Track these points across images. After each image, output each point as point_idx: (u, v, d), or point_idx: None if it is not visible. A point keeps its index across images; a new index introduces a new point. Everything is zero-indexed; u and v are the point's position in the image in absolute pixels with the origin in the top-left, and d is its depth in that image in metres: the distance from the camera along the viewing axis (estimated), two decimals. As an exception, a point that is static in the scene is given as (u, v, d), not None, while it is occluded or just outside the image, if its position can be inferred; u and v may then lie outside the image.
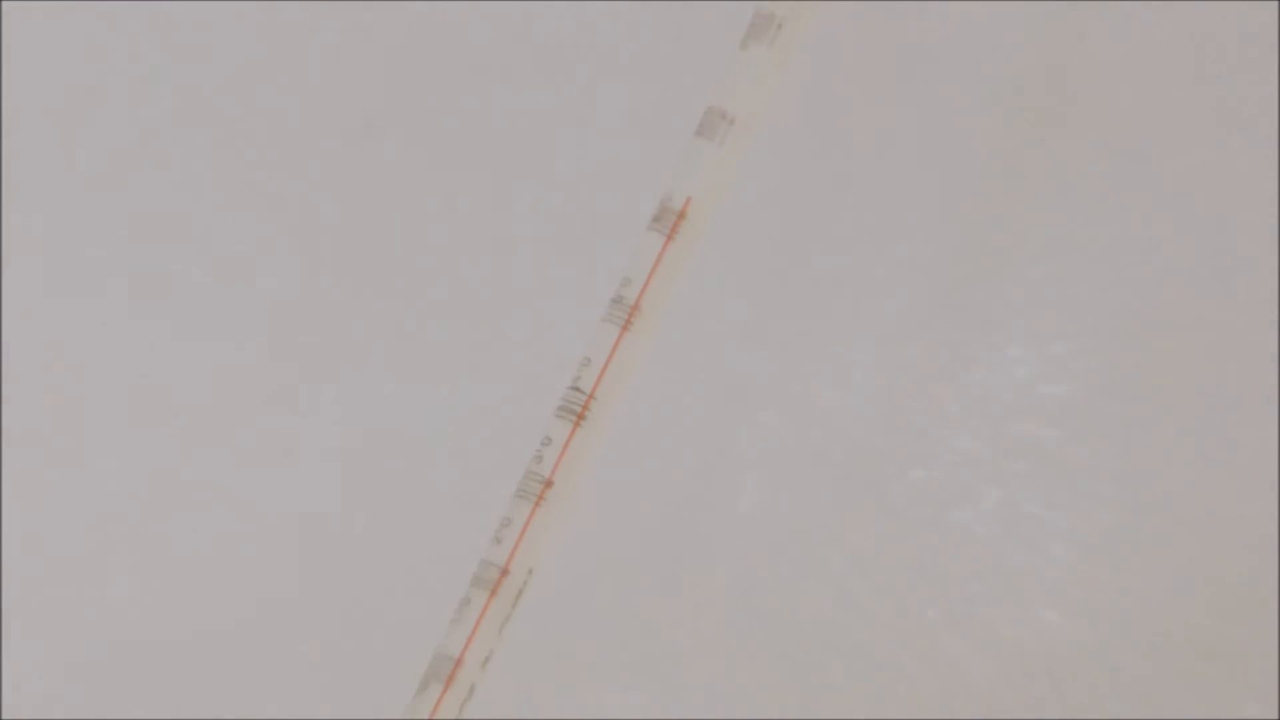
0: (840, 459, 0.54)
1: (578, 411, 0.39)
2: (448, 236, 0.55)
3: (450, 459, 0.54)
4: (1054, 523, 0.54)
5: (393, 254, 0.56)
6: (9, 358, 0.57)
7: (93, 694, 0.57)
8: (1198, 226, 0.55)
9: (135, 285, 0.57)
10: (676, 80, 0.45)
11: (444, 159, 0.56)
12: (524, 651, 0.42)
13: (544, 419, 0.40)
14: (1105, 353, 0.54)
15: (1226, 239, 0.55)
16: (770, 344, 0.55)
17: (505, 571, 0.39)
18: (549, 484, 0.39)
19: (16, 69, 0.58)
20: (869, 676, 0.53)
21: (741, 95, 0.40)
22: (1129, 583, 0.53)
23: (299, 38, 0.57)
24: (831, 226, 0.54)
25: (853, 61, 0.54)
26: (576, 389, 0.40)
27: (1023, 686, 0.53)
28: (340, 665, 0.54)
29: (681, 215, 0.40)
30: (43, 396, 0.58)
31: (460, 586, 0.40)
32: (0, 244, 0.58)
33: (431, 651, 0.39)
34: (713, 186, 0.40)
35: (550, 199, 0.55)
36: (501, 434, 0.44)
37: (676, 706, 0.53)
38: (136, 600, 0.57)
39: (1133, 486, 0.54)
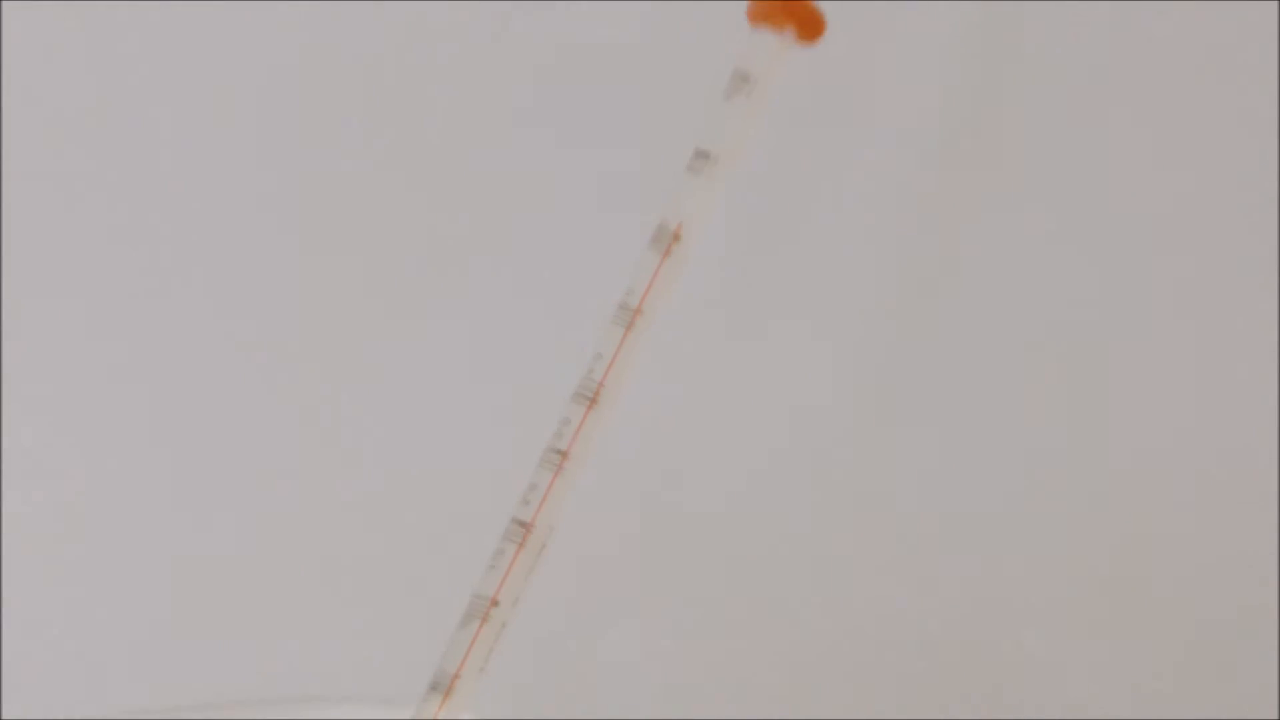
0: (806, 433, 0.57)
1: (590, 396, 0.41)
2: (489, 258, 0.57)
3: (487, 435, 0.57)
4: (986, 484, 0.56)
5: (446, 274, 0.57)
6: (10, 358, 0.57)
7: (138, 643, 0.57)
8: (1106, 243, 0.57)
9: (149, 289, 0.57)
10: (671, 127, 0.45)
11: (487, 196, 0.57)
12: (546, 592, 0.42)
13: (563, 402, 0.41)
14: (1021, 351, 0.57)
15: (1125, 250, 0.58)
16: (747, 340, 0.57)
17: (531, 528, 0.41)
18: (566, 456, 0.41)
19: (16, 69, 0.56)
20: (825, 604, 0.56)
21: (723, 139, 0.42)
22: (1042, 534, 0.56)
23: (315, 50, 0.57)
24: (797, 245, 0.57)
25: (813, 112, 0.56)
26: (590, 378, 0.41)
27: (958, 615, 0.56)
28: (394, 606, 0.56)
29: (675, 236, 0.41)
30: (44, 397, 0.57)
31: (494, 540, 0.41)
32: (0, 244, 0.56)
33: (470, 594, 0.41)
34: (700, 213, 0.42)
35: (570, 224, 0.57)
36: (529, 414, 0.43)
37: (668, 637, 0.56)
38: (201, 543, 0.57)
39: (1049, 455, 0.57)
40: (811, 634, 0.56)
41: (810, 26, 0.41)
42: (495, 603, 0.41)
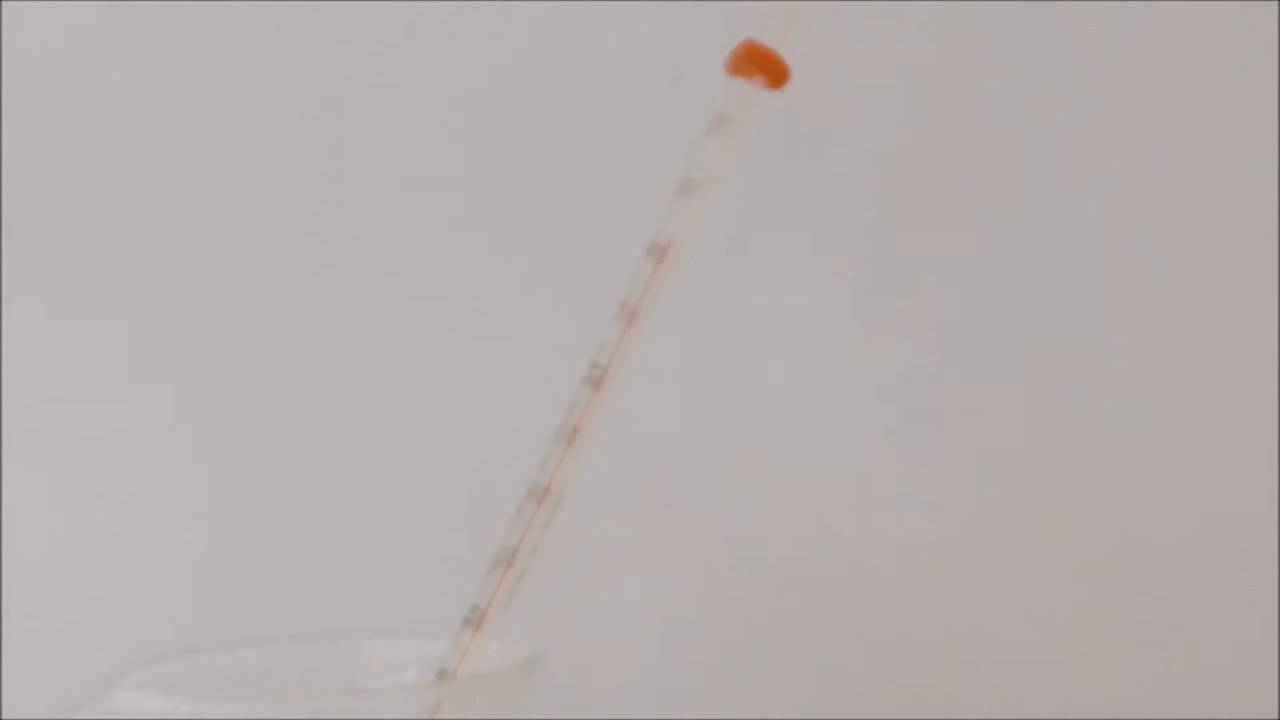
0: (776, 412, 0.59)
1: (597, 380, 0.44)
2: (514, 268, 0.59)
3: (509, 413, 0.58)
4: (984, 482, 0.58)
5: (472, 281, 0.59)
6: (9, 361, 0.56)
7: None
8: (1105, 242, 0.58)
9: (155, 289, 0.57)
10: (663, 157, 0.46)
11: (513, 219, 0.59)
12: (559, 545, 0.44)
13: (573, 386, 0.44)
14: (957, 346, 0.59)
15: (1127, 247, 0.58)
16: (727, 334, 0.59)
17: (547, 490, 0.43)
18: (576, 430, 0.44)
19: (16, 69, 0.56)
20: (786, 556, 0.58)
21: (706, 167, 0.44)
22: (1043, 534, 0.58)
23: (319, 61, 0.57)
24: (770, 255, 0.59)
25: (785, 142, 0.58)
26: (596, 365, 0.44)
27: (958, 613, 0.57)
28: (433, 554, 0.58)
29: (667, 248, 0.44)
30: (46, 399, 0.57)
31: (516, 499, 0.44)
32: (2, 244, 0.56)
33: (496, 544, 0.44)
34: (687, 229, 0.44)
35: (579, 239, 0.59)
36: (545, 396, 0.44)
37: (659, 586, 0.58)
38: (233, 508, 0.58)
39: (972, 432, 0.59)
40: (805, 627, 0.58)
41: (777, 76, 0.45)
42: (517, 551, 0.43)
